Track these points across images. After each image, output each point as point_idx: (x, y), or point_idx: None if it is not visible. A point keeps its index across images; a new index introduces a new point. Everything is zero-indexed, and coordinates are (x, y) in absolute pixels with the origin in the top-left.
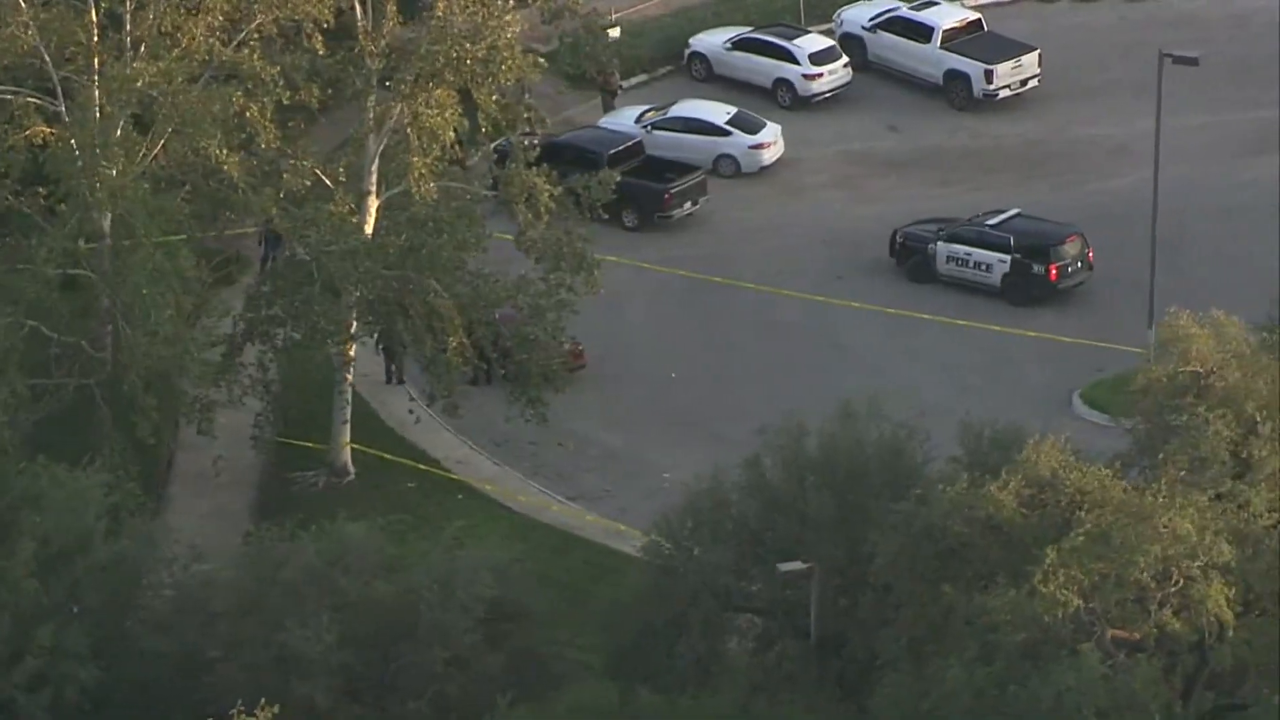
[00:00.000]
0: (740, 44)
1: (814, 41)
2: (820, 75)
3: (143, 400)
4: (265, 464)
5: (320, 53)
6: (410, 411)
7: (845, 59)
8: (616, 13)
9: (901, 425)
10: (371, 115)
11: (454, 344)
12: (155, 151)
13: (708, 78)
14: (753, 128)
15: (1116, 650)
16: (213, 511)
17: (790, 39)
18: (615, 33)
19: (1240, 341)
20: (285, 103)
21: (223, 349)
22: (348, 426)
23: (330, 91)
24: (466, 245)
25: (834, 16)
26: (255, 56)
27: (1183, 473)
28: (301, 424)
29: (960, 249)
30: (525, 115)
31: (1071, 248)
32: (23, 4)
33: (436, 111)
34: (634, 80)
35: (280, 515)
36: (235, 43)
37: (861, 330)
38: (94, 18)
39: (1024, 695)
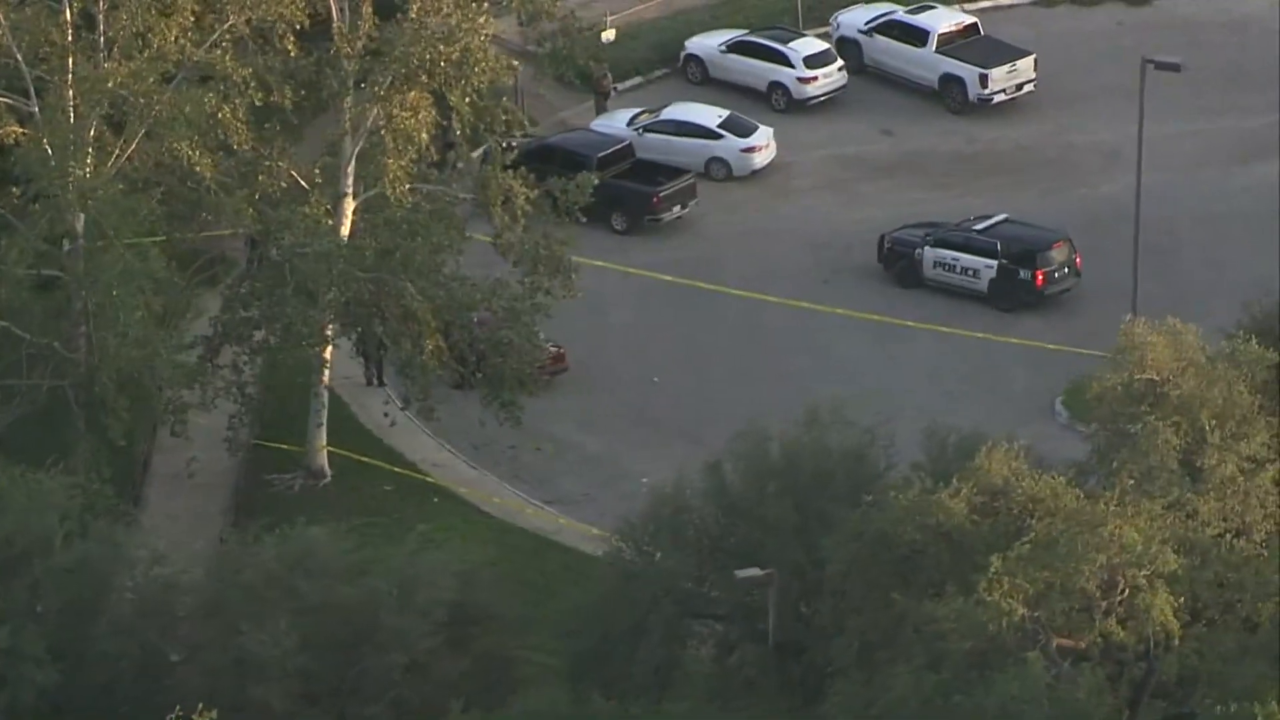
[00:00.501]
0: (735, 47)
1: (809, 45)
2: (815, 79)
3: (114, 402)
4: (242, 466)
5: (293, 54)
6: (385, 415)
7: (840, 62)
8: (612, 15)
9: (866, 430)
10: (349, 117)
11: (430, 347)
12: (129, 152)
13: (703, 80)
14: (744, 131)
15: (1062, 659)
16: (188, 513)
17: (785, 42)
18: (610, 35)
19: (1196, 350)
20: (260, 104)
21: (199, 351)
22: (323, 429)
23: (305, 94)
24: (442, 248)
25: (830, 20)
26: (227, 58)
27: (1132, 481)
28: (280, 426)
29: (947, 254)
30: (504, 117)
31: (1058, 254)
32: None
33: (410, 114)
34: (629, 83)
35: (256, 518)
36: (209, 44)
37: (846, 336)
38: (69, 17)
39: (969, 704)
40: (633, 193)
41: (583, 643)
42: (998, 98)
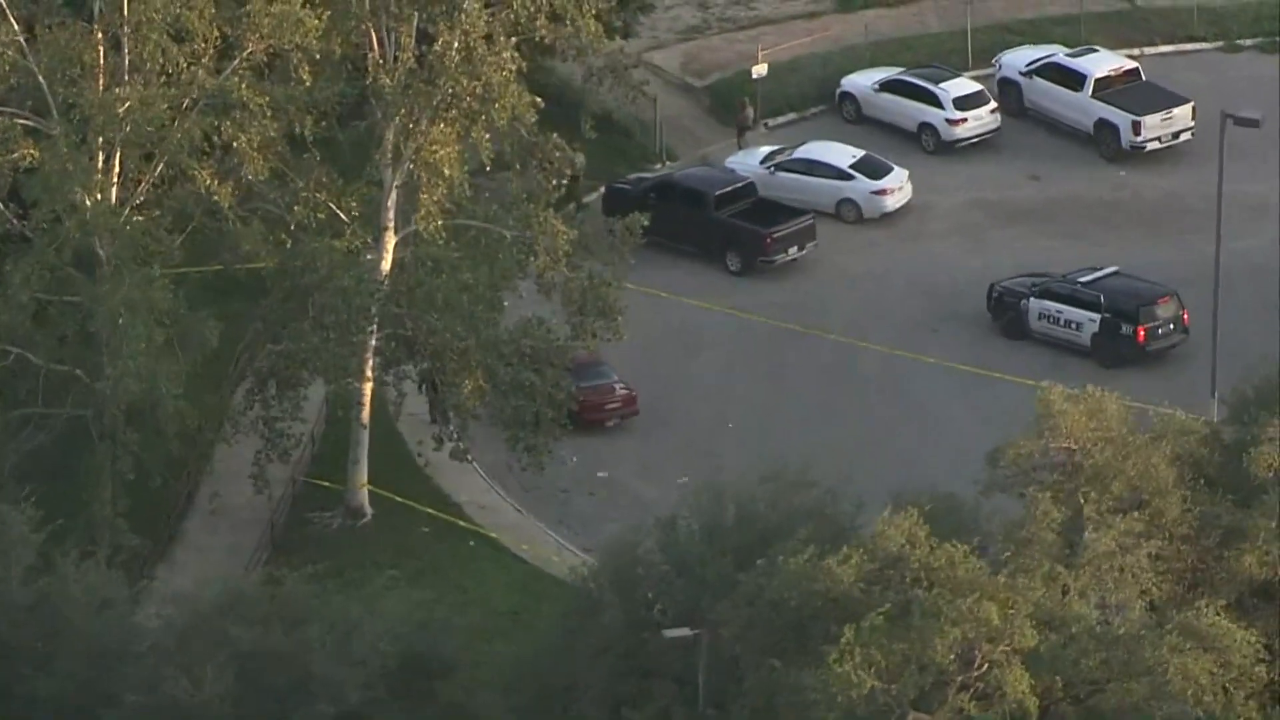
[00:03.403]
0: (888, 86)
1: (960, 85)
2: (964, 120)
3: (123, 435)
4: (287, 503)
5: (308, 83)
6: (418, 455)
7: (993, 104)
8: (765, 49)
9: (828, 490)
10: (389, 149)
11: (470, 386)
12: (149, 180)
13: (857, 119)
14: (877, 172)
15: None
16: (221, 549)
17: (937, 82)
18: (761, 70)
19: (1118, 420)
20: (301, 135)
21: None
22: (363, 466)
23: (325, 124)
24: (469, 286)
25: (994, 60)
26: (243, 85)
27: (1008, 554)
28: (333, 461)
29: (1052, 306)
30: (557, 154)
31: (1164, 309)
32: (14, 23)
33: (438, 147)
34: (781, 119)
35: (289, 555)
36: (229, 71)
37: (937, 387)
38: (99, 38)
39: None
40: (746, 233)
41: (520, 698)
42: (1151, 145)
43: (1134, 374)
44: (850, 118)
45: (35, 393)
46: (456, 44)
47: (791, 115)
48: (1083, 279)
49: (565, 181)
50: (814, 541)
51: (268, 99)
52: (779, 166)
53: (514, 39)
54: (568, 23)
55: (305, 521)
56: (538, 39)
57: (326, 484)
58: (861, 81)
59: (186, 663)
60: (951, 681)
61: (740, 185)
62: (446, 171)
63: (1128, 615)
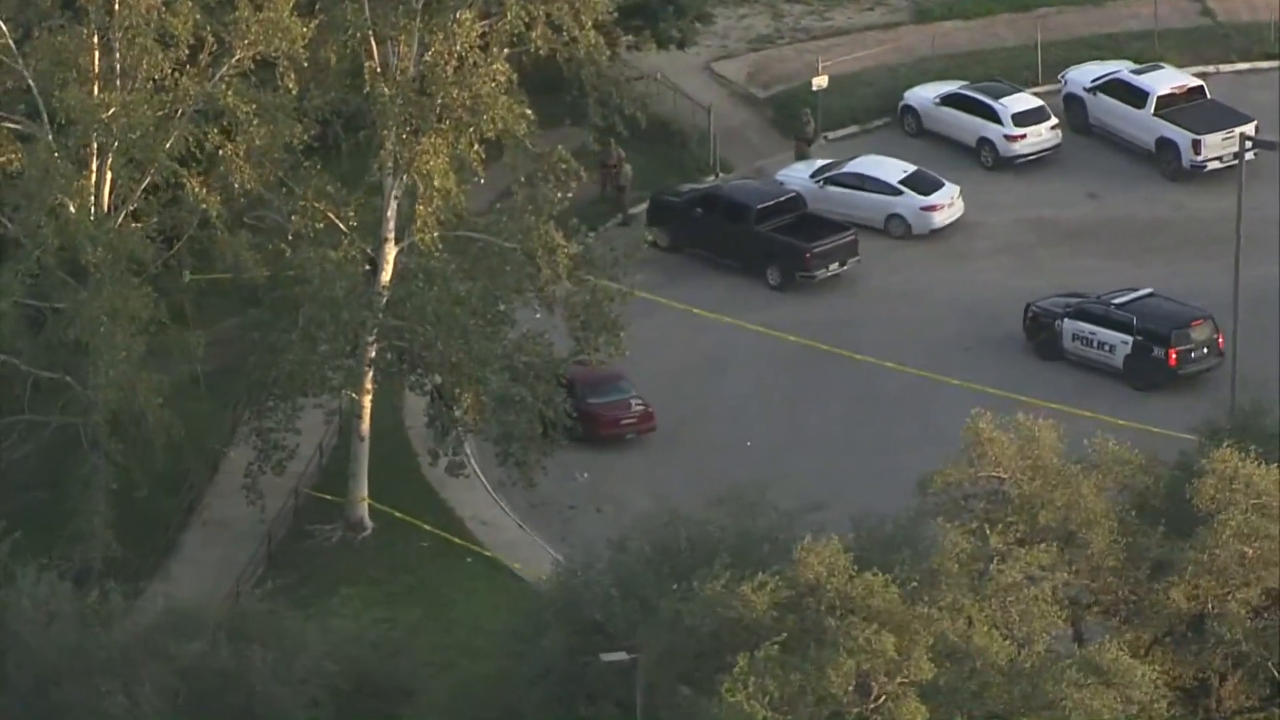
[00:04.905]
0: (948, 100)
1: (1020, 101)
2: (1023, 136)
3: (107, 444)
4: (289, 516)
5: (293, 91)
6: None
7: (1054, 121)
8: (833, 61)
9: (785, 514)
10: (391, 159)
11: (468, 401)
12: (142, 186)
13: (919, 133)
14: (927, 188)
15: None
16: (216, 562)
17: (997, 97)
18: (822, 82)
19: (1051, 451)
20: (300, 144)
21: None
22: (362, 480)
23: (316, 132)
24: (461, 299)
25: (1059, 76)
26: (230, 92)
27: (914, 584)
28: (341, 475)
29: (1085, 327)
30: (562, 166)
31: (1198, 332)
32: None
33: (428, 157)
34: (842, 132)
35: (285, 569)
36: (216, 78)
37: (961, 410)
38: (94, 43)
39: None
40: (787, 247)
41: None
42: (1211, 165)
43: (1161, 398)
44: (912, 131)
45: (23, 400)
46: (447, 54)
47: (853, 128)
48: (1117, 300)
49: (569, 195)
50: (765, 566)
51: (254, 106)
52: (829, 180)
53: (506, 50)
54: (564, 33)
55: (306, 534)
56: (534, 49)
57: (329, 497)
58: (924, 95)
59: (126, 680)
60: (848, 713)
61: (784, 199)
62: (437, 182)
63: (1033, 648)
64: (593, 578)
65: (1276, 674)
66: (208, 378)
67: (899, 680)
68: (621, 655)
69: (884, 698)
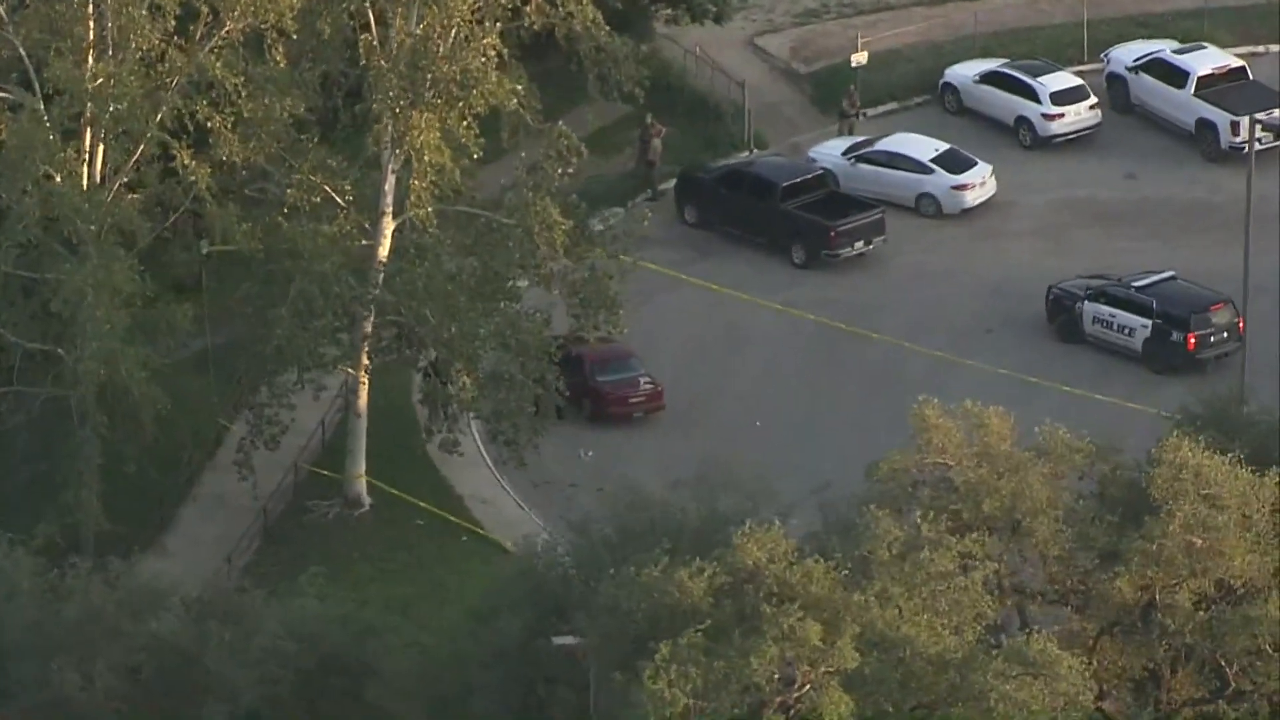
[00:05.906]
0: (988, 78)
1: (1060, 80)
2: (1061, 115)
3: (94, 418)
4: (291, 491)
5: (281, 64)
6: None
7: (1093, 100)
8: (876, 38)
9: (748, 497)
10: (387, 133)
11: (463, 378)
12: (134, 158)
13: (959, 111)
14: (959, 167)
15: None
16: (211, 538)
17: (1036, 75)
18: (861, 58)
19: (999, 438)
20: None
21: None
22: (360, 456)
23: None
24: (453, 275)
25: (1102, 55)
26: (219, 64)
27: (846, 571)
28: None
29: (1105, 310)
30: (563, 142)
31: (1217, 316)
32: None
33: (419, 132)
34: (882, 108)
35: (280, 545)
36: (206, 50)
37: (978, 390)
38: (89, 12)
39: None
40: (811, 225)
41: (415, 706)
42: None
43: (1178, 383)
44: (952, 109)
45: (11, 371)
46: (440, 28)
47: (893, 105)
48: (1137, 283)
49: (571, 170)
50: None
51: (243, 79)
52: (860, 158)
53: (498, 24)
54: (559, 7)
55: (304, 510)
56: (529, 24)
57: (326, 473)
58: (964, 72)
59: (78, 658)
60: (770, 703)
61: (811, 176)
62: (428, 157)
63: (964, 638)
64: (555, 559)
65: (1225, 666)
66: (218, 351)
67: (823, 669)
68: (571, 639)
69: (808, 686)
